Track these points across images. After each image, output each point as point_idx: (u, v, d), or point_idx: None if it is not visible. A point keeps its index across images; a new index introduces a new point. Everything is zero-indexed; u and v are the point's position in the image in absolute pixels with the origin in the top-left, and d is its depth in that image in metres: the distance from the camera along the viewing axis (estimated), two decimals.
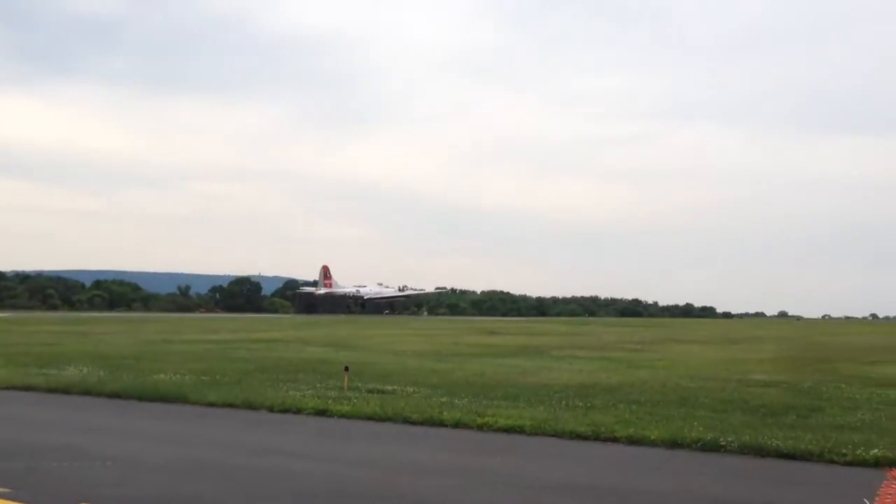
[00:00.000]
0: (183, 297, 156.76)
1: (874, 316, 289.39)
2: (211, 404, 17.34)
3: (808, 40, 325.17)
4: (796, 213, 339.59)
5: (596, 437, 13.77)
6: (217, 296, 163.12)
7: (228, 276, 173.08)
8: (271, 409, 16.71)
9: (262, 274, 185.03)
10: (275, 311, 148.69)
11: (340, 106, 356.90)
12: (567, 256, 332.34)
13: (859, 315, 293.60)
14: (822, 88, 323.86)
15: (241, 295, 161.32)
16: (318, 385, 20.23)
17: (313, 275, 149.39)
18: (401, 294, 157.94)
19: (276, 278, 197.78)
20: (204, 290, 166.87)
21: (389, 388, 19.87)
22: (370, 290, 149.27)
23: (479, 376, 23.65)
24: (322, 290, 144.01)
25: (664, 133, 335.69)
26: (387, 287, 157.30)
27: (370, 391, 19.29)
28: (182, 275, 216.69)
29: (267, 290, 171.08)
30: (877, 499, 9.54)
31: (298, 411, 16.45)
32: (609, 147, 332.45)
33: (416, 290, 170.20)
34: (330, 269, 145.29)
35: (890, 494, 9.15)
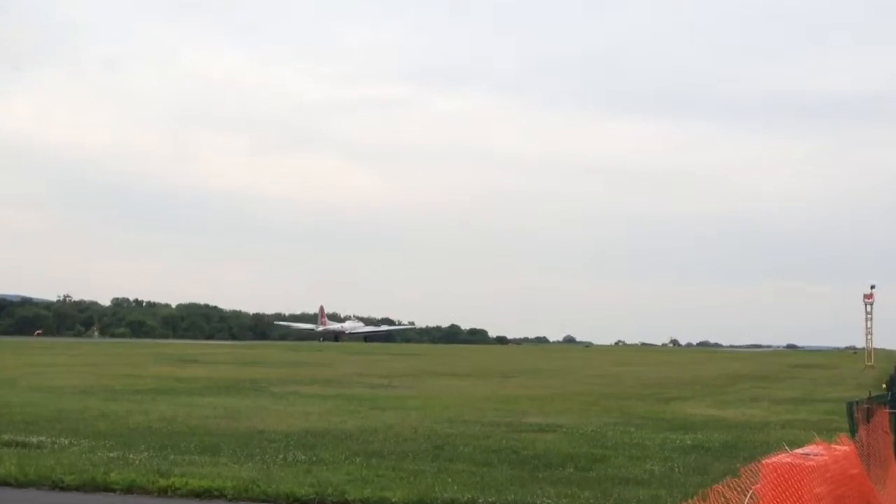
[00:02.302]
0: None
1: (675, 342, 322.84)
2: None
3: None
4: (586, 213, 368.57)
5: (321, 502, 13.99)
6: None
7: None
8: None
9: None
10: None
11: None
12: (298, 260, 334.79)
13: (657, 341, 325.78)
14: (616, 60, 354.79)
15: None
16: None
17: None
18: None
19: None
20: None
21: (34, 439, 19.11)
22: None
23: (166, 422, 23.17)
24: None
25: (424, 101, 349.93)
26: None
27: (5, 444, 18.40)
28: None
29: None
30: None
31: None
32: (355, 115, 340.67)
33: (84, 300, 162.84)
34: None
35: None
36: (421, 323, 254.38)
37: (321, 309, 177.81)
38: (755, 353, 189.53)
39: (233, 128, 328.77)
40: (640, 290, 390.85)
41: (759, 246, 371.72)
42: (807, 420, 28.72)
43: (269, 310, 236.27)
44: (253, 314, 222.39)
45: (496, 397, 35.82)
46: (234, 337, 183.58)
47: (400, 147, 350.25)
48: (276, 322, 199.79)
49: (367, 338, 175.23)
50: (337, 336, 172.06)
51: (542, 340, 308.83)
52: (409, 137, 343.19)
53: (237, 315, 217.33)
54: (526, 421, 26.33)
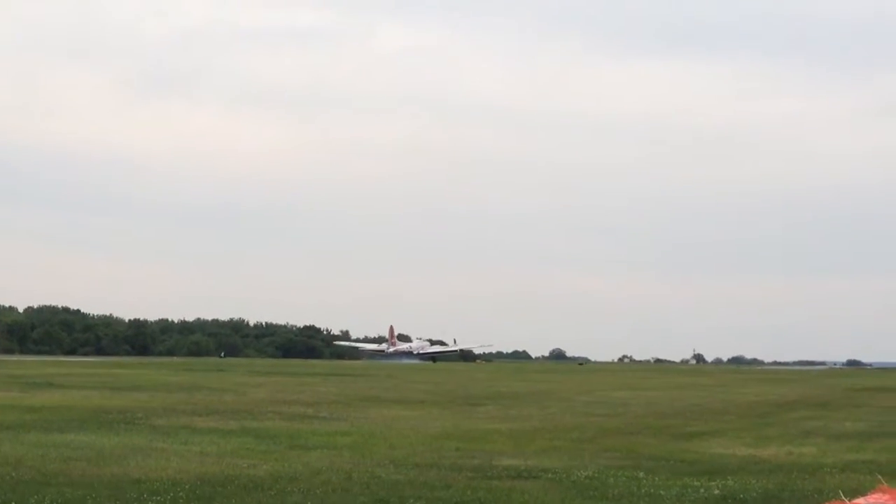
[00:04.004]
0: None
1: (699, 358, 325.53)
2: None
3: None
4: (577, 182, 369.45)
5: None
6: None
7: None
8: None
9: None
10: None
11: None
12: (188, 247, 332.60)
13: (676, 357, 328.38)
14: None
15: None
16: None
17: None
18: None
19: None
20: None
21: None
22: None
23: (10, 467, 22.99)
24: None
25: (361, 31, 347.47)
26: None
27: None
28: None
29: None
30: None
31: None
32: (259, 49, 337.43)
33: None
34: None
35: None
36: (358, 333, 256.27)
37: (391, 329, 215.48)
38: (806, 372, 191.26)
39: (96, 65, 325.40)
40: (654, 288, 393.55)
41: (816, 229, 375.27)
42: (874, 461, 29.02)
43: (151, 315, 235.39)
44: (129, 321, 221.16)
45: (459, 432, 35.83)
46: (103, 352, 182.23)
47: (326, 94, 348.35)
48: (336, 342, 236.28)
49: (436, 358, 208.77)
50: (408, 355, 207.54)
51: (521, 356, 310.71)
52: (339, 82, 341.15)
53: (108, 322, 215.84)
54: (499, 464, 26.38)
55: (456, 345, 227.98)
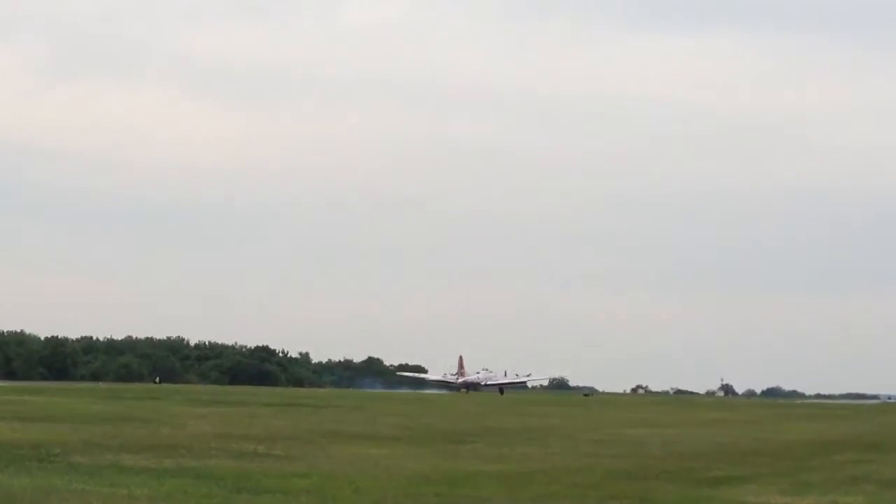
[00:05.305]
0: None
1: (727, 389, 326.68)
2: None
3: None
4: (580, 182, 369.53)
5: None
6: None
7: None
8: None
9: None
10: None
11: None
12: (113, 253, 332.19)
13: (700, 388, 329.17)
14: None
15: None
16: None
17: None
18: None
19: None
20: None
21: None
22: None
23: None
24: None
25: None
26: None
27: None
28: None
29: None
30: None
31: None
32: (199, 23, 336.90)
33: None
34: None
35: None
36: (319, 357, 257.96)
37: (460, 359, 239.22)
38: (855, 407, 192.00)
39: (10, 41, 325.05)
40: (674, 307, 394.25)
41: (870, 236, 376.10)
42: None
43: (72, 332, 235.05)
44: (46, 339, 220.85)
45: (439, 474, 35.78)
46: (14, 375, 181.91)
47: (279, 76, 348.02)
48: (400, 373, 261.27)
49: (503, 390, 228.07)
50: (475, 387, 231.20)
51: (519, 387, 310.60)
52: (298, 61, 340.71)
53: (20, 340, 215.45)
54: None
55: (521, 377, 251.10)
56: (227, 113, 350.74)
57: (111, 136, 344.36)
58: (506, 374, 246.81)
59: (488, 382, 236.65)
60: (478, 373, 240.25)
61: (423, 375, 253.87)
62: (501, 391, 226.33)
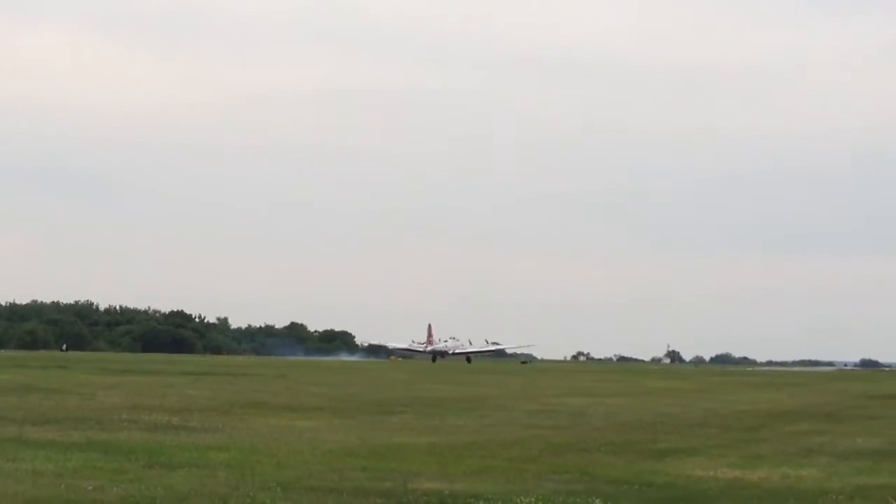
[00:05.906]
0: None
1: (673, 356, 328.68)
2: None
3: None
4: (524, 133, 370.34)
5: None
6: None
7: None
8: None
9: None
10: None
11: None
12: (41, 209, 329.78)
13: (645, 355, 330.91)
14: None
15: None
16: None
17: None
18: None
19: None
20: None
21: None
22: None
23: None
24: None
25: None
26: None
27: None
28: None
29: None
30: None
31: None
32: None
33: None
34: None
35: None
36: (239, 322, 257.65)
37: (429, 327, 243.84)
38: (809, 374, 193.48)
39: None
40: (617, 270, 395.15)
41: (830, 196, 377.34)
42: (889, 486, 29.46)
43: None
44: None
45: (366, 447, 35.93)
46: None
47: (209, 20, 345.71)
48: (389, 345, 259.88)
49: (470, 359, 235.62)
50: (443, 355, 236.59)
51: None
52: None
53: None
54: (417, 488, 26.51)
55: (489, 345, 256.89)
56: (147, 58, 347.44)
57: (9, 83, 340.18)
58: (471, 343, 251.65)
59: (456, 351, 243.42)
60: (445, 341, 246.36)
61: (388, 343, 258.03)
62: (469, 360, 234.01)
